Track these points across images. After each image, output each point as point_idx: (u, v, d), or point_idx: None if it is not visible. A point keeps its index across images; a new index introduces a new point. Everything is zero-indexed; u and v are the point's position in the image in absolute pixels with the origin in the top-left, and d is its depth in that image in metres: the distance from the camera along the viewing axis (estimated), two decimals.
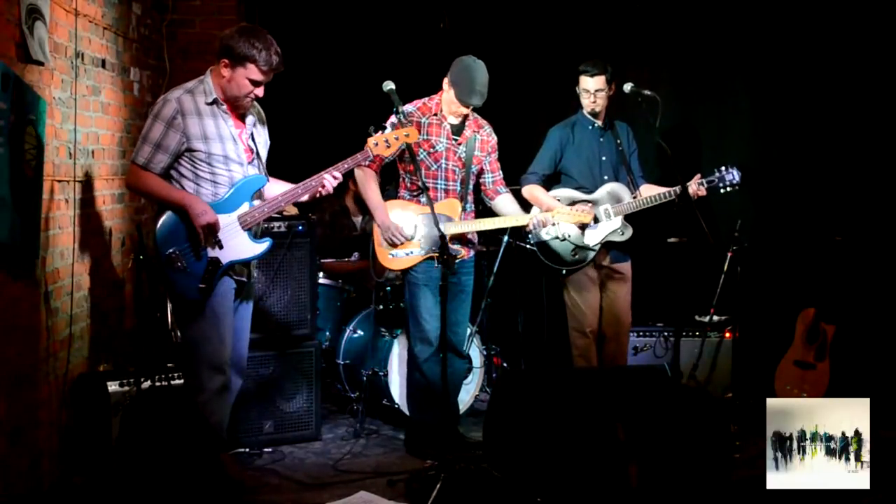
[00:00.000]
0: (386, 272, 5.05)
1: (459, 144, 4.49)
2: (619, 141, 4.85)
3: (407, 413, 4.86)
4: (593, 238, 4.78)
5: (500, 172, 4.68)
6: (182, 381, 4.23)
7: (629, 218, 4.79)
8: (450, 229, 4.40)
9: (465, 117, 4.51)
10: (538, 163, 4.91)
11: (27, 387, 3.67)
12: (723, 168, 4.67)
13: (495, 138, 4.65)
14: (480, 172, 4.62)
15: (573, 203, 4.81)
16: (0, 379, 3.43)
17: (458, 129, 4.50)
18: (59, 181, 3.96)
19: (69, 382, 4.04)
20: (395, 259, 4.45)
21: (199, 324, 3.77)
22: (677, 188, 4.55)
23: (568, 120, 4.93)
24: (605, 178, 4.85)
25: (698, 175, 4.68)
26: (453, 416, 4.57)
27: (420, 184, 4.36)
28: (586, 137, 4.87)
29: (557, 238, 4.82)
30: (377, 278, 5.09)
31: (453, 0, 6.00)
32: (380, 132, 3.98)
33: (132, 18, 4.99)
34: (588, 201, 4.81)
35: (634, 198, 4.75)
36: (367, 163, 4.41)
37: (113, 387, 4.09)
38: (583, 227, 4.76)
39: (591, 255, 4.80)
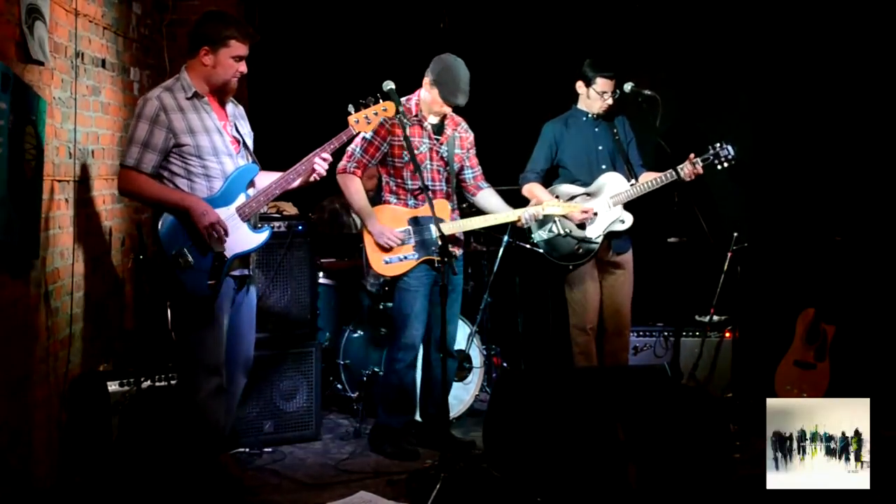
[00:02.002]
0: (380, 278, 5.04)
1: (441, 144, 4.47)
2: (615, 131, 4.84)
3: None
4: (595, 230, 4.77)
5: (480, 168, 4.66)
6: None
7: (629, 208, 4.77)
8: (443, 230, 4.39)
9: (444, 116, 4.49)
10: (535, 160, 4.90)
11: (27, 387, 3.67)
12: (717, 144, 4.61)
13: (472, 134, 4.63)
14: (461, 170, 4.60)
15: (572, 198, 4.80)
16: (0, 379, 3.43)
17: (438, 129, 4.48)
18: (59, 181, 3.96)
19: (69, 382, 4.04)
20: (391, 265, 4.39)
21: (198, 325, 3.76)
22: (672, 171, 4.54)
23: (561, 116, 4.93)
24: (603, 167, 4.84)
25: (692, 155, 4.62)
26: (442, 418, 4.54)
27: (420, 184, 4.35)
28: (581, 129, 4.86)
29: (560, 235, 4.81)
30: (371, 286, 5.10)
31: (453, 0, 6.00)
32: (361, 110, 3.94)
33: (132, 18, 4.99)
34: (586, 194, 4.80)
35: (632, 185, 4.74)
36: (352, 169, 4.40)
37: (113, 387, 4.09)
38: (584, 221, 4.74)
39: (595, 247, 4.79)
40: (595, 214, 4.74)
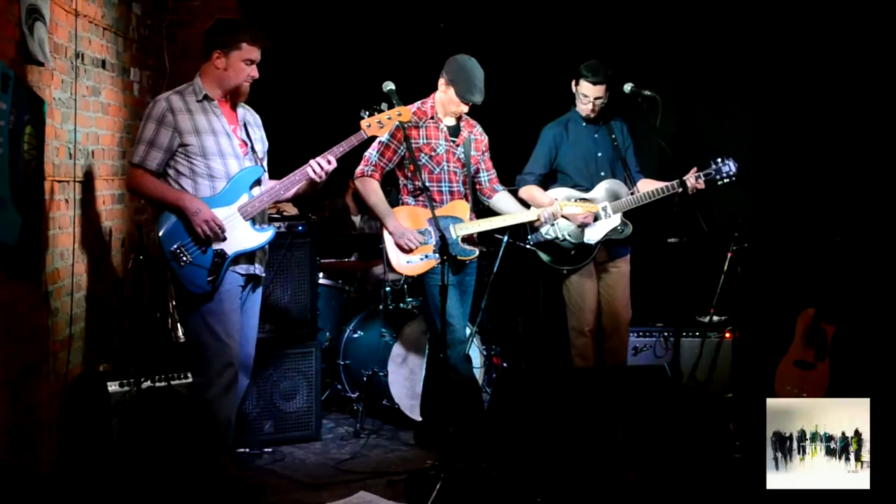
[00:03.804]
0: (401, 277, 5.06)
1: (458, 146, 4.49)
2: (613, 136, 4.83)
3: (408, 414, 4.91)
4: (593, 236, 4.76)
5: (494, 171, 4.67)
6: (182, 380, 4.23)
7: (628, 214, 4.77)
8: (461, 230, 4.39)
9: (460, 118, 4.50)
10: (534, 163, 4.89)
11: (27, 387, 3.67)
12: (718, 160, 4.59)
13: (486, 137, 4.65)
14: (476, 172, 4.62)
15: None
16: (0, 379, 3.43)
17: (454, 131, 4.50)
18: (59, 181, 3.97)
19: (69, 382, 4.04)
20: (412, 265, 4.39)
21: (207, 321, 3.78)
22: (674, 182, 4.54)
23: (561, 118, 4.91)
24: (602, 174, 4.82)
25: (695, 168, 4.62)
26: (442, 419, 4.51)
27: (420, 184, 4.34)
28: (580, 134, 4.84)
29: (557, 238, 4.81)
30: (394, 285, 5.13)
31: (452, 0, 6.00)
32: (374, 115, 3.96)
33: (132, 19, 4.99)
34: (586, 199, 4.78)
35: (632, 194, 4.72)
36: (369, 172, 4.40)
37: (113, 387, 4.08)
38: (582, 226, 4.74)
39: (591, 253, 4.78)
40: (596, 219, 4.73)
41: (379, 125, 3.95)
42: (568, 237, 4.79)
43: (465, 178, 4.51)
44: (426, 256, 4.38)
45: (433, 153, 4.41)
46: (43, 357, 3.82)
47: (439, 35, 5.94)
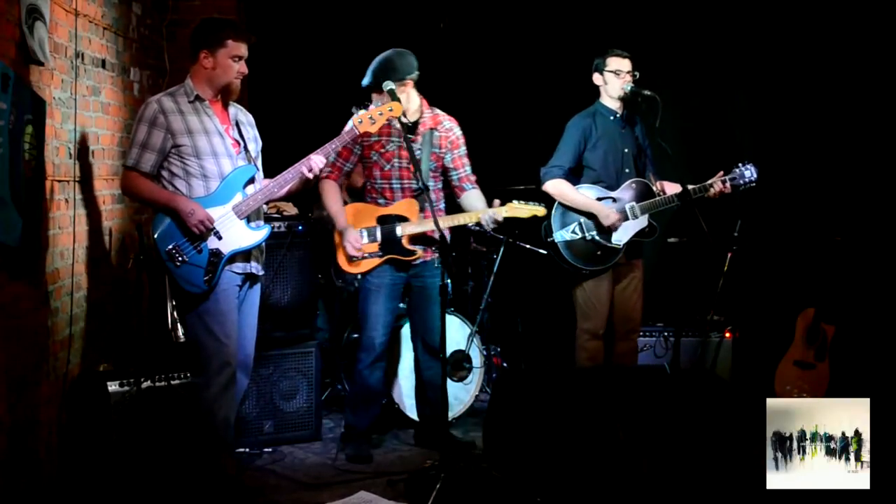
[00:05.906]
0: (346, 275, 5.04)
1: (413, 142, 4.40)
2: (636, 136, 4.72)
3: (408, 414, 4.91)
4: (620, 238, 4.62)
5: (467, 169, 4.55)
6: (182, 380, 4.23)
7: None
8: (406, 230, 4.37)
9: (421, 114, 4.45)
10: (561, 156, 4.68)
11: (27, 387, 3.67)
12: (740, 164, 4.52)
13: (457, 133, 4.52)
14: (445, 171, 4.54)
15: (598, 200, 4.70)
16: (0, 379, 3.43)
17: (411, 128, 4.43)
18: (59, 181, 3.97)
19: (69, 382, 4.04)
20: (354, 263, 4.40)
21: (204, 320, 3.79)
22: (699, 186, 4.48)
23: (587, 110, 4.75)
24: (627, 170, 4.68)
25: (721, 172, 4.53)
26: (442, 419, 4.51)
27: (418, 184, 4.31)
28: (608, 128, 4.69)
29: (583, 238, 4.65)
30: (336, 281, 5.14)
31: (452, 0, 6.00)
32: (364, 110, 3.97)
33: (132, 18, 4.99)
34: (612, 199, 4.64)
35: (660, 196, 4.59)
36: (325, 173, 4.38)
37: (113, 387, 4.09)
38: (611, 227, 4.59)
39: (616, 255, 4.63)
40: (623, 221, 4.59)
41: (371, 121, 3.98)
42: (593, 238, 4.63)
43: (420, 175, 4.30)
44: (369, 255, 4.39)
45: (382, 150, 4.40)
46: (43, 357, 3.82)
47: (439, 35, 5.94)
